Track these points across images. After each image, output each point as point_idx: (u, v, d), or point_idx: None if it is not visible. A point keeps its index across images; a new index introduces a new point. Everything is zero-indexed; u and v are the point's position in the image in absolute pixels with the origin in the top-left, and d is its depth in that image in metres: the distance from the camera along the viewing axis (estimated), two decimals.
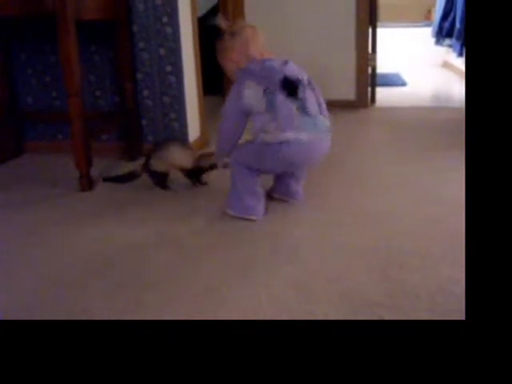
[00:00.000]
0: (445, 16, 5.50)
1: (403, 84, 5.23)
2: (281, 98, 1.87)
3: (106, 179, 2.46)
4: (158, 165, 2.31)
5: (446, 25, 5.44)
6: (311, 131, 1.90)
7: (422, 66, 6.21)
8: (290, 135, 1.87)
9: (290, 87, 1.90)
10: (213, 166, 2.31)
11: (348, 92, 4.09)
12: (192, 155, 2.34)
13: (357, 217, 2.07)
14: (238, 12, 4.06)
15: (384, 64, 5.62)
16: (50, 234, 1.97)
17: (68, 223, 2.07)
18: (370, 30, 4.14)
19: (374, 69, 4.25)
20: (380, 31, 6.03)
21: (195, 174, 2.36)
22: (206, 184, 2.40)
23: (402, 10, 7.13)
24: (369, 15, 4.09)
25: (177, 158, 2.31)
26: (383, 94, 4.53)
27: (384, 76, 5.24)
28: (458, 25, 5.12)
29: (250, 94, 1.90)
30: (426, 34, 6.15)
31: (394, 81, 5.29)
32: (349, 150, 3.00)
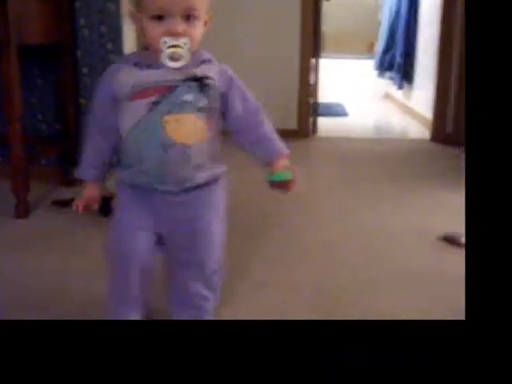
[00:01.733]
0: (386, 50, 5.69)
1: (345, 114, 5.37)
2: None
3: (55, 203, 2.46)
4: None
5: (388, 58, 5.63)
6: None
7: (364, 98, 6.39)
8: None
9: None
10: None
11: (290, 122, 4.16)
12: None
13: (297, 251, 2.12)
14: None
15: (327, 94, 5.75)
16: None
17: None
18: (314, 61, 4.25)
19: (315, 99, 4.35)
20: (325, 62, 6.20)
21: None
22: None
23: (346, 43, 7.33)
24: (312, 47, 4.20)
25: None
26: (325, 124, 4.63)
27: (327, 106, 5.37)
28: (398, 59, 5.31)
29: None
30: (369, 66, 6.34)
31: (336, 111, 5.42)
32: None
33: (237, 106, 1.37)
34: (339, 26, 7.39)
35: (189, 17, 1.25)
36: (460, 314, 1.57)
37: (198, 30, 1.28)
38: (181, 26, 1.23)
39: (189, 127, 1.29)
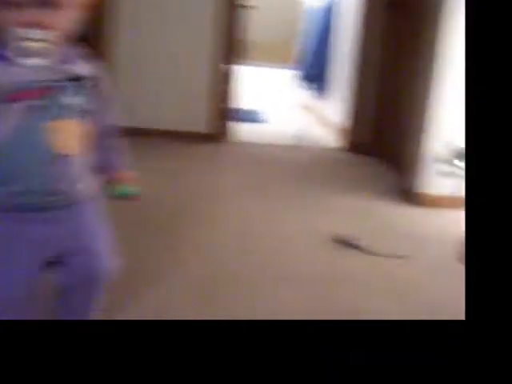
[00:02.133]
0: (305, 61, 5.79)
1: (263, 121, 5.42)
2: None
3: None
4: None
5: (306, 69, 5.73)
6: None
7: (285, 107, 6.47)
8: None
9: None
10: None
11: (199, 125, 4.16)
12: None
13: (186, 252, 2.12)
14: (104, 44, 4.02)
15: (248, 101, 5.80)
16: None
17: None
18: (230, 68, 4.28)
19: (230, 105, 4.37)
20: (247, 69, 6.26)
21: None
22: None
23: (270, 51, 7.42)
24: (227, 53, 4.22)
25: None
26: (242, 130, 4.65)
27: (245, 112, 5.41)
28: (316, 70, 5.42)
29: None
30: (291, 76, 6.44)
31: (254, 117, 5.47)
32: (197, 186, 3.06)
33: (101, 110, 1.25)
34: (264, 35, 7.49)
35: (47, 3, 1.05)
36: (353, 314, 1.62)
37: (64, 18, 1.08)
38: (37, 15, 1.04)
39: (71, 135, 1.14)
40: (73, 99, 1.14)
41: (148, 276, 1.88)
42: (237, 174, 3.34)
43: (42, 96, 1.10)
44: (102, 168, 1.30)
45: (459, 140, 2.52)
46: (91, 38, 3.59)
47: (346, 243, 2.28)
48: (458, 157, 2.48)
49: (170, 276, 1.90)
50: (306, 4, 6.56)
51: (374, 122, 4.15)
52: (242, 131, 4.62)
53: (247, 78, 5.89)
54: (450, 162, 2.56)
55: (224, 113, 4.32)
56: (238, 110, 4.76)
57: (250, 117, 5.43)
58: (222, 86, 4.22)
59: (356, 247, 2.26)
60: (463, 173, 2.45)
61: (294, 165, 3.75)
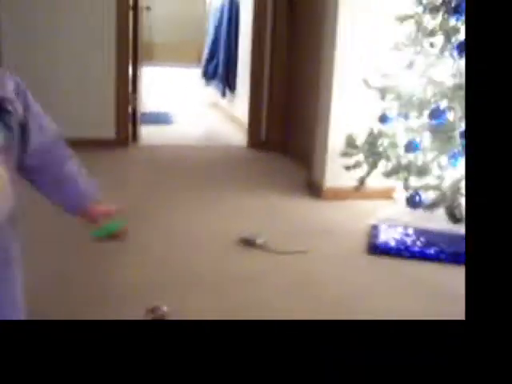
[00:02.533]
0: (210, 59, 5.78)
1: (170, 122, 5.37)
2: None
3: None
4: None
5: (211, 67, 5.72)
6: None
7: (193, 106, 6.44)
8: None
9: None
10: None
11: (107, 131, 4.06)
12: None
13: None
14: None
15: (155, 103, 5.72)
16: None
17: None
18: (131, 70, 4.20)
19: (134, 108, 4.30)
20: (153, 70, 6.16)
21: None
22: None
23: (176, 51, 7.35)
24: (132, 56, 4.15)
25: None
26: (150, 133, 4.59)
27: (152, 115, 5.33)
28: (220, 68, 5.42)
29: None
30: (197, 74, 6.40)
31: (161, 119, 5.40)
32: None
33: (33, 138, 1.01)
34: (169, 34, 7.41)
35: None
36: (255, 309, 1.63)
37: None
38: None
39: None
40: None
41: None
42: (143, 179, 3.29)
43: None
44: (70, 206, 1.08)
45: (360, 133, 2.58)
46: None
47: (251, 243, 2.29)
48: (354, 147, 2.54)
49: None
50: (210, 2, 6.56)
51: (277, 118, 4.19)
52: (150, 134, 4.56)
53: (153, 80, 5.81)
54: (350, 155, 2.61)
55: (132, 116, 4.24)
56: (145, 113, 4.69)
57: (157, 119, 5.36)
58: (127, 89, 4.13)
59: (260, 247, 2.28)
60: (364, 163, 2.53)
61: (201, 165, 3.74)
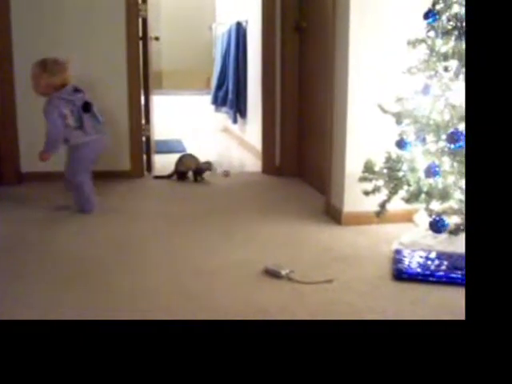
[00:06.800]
0: (219, 86, 5.83)
1: (183, 150, 5.39)
2: (85, 115, 3.07)
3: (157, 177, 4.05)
4: (180, 166, 4.08)
5: (221, 94, 5.76)
6: (99, 133, 3.17)
7: (204, 132, 6.47)
8: (92, 137, 3.12)
9: (88, 107, 3.10)
10: (208, 168, 4.05)
11: (123, 163, 4.09)
12: (196, 161, 4.07)
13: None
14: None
15: (166, 131, 5.76)
16: None
17: None
18: (143, 100, 4.24)
19: (148, 138, 4.33)
20: (163, 99, 6.22)
21: (197, 173, 4.05)
22: (203, 179, 4.06)
23: (184, 78, 7.42)
24: (143, 85, 4.19)
25: (188, 162, 4.07)
26: (163, 162, 4.61)
27: (165, 143, 5.37)
28: (230, 95, 5.45)
29: (62, 110, 3.01)
30: (207, 101, 6.45)
31: (174, 148, 5.43)
32: (114, 221, 2.99)
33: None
34: (177, 62, 7.48)
35: None
36: None
37: None
38: None
39: None
40: None
41: None
42: (160, 210, 3.31)
43: None
44: None
45: (377, 157, 2.58)
46: None
47: (276, 274, 2.29)
48: (372, 172, 2.54)
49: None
50: (216, 28, 6.63)
51: (291, 143, 4.21)
52: (165, 163, 4.58)
53: (163, 108, 5.85)
54: (370, 180, 2.61)
55: (146, 146, 4.27)
56: (159, 142, 4.72)
57: (170, 147, 5.39)
58: (140, 119, 4.17)
59: (286, 277, 2.27)
60: (384, 189, 2.52)
61: (217, 192, 3.75)
